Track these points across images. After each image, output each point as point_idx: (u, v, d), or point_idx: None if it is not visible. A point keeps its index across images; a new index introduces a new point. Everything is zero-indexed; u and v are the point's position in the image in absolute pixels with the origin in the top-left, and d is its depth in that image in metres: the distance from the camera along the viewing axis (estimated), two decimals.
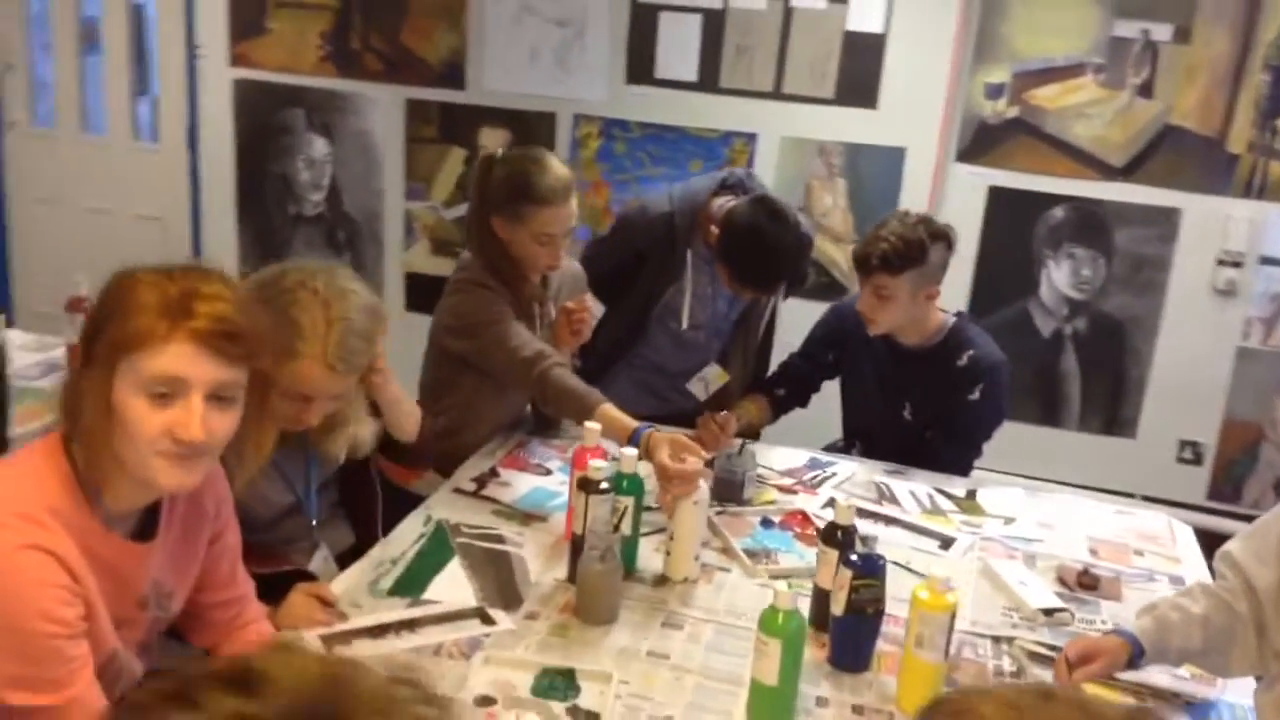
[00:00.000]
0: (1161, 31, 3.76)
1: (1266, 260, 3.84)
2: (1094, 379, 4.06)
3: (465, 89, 4.34)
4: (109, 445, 1.41)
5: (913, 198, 3.97)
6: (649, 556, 2.21)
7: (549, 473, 2.59)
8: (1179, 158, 3.82)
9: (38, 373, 2.87)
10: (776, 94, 4.08)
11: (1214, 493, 4.03)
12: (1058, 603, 2.14)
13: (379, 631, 1.92)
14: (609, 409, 2.35)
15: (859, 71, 3.99)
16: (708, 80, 4.12)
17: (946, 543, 2.39)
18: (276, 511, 2.10)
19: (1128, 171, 3.88)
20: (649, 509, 2.25)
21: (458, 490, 2.48)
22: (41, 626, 1.35)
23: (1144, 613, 1.85)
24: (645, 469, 2.19)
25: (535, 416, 2.87)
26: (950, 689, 1.49)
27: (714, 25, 4.07)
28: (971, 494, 2.66)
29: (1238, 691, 1.90)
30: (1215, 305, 3.90)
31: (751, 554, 2.27)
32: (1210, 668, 1.84)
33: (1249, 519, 2.00)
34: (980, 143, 3.98)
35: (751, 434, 3.02)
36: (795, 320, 3.12)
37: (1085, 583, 2.24)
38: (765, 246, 2.67)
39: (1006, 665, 1.96)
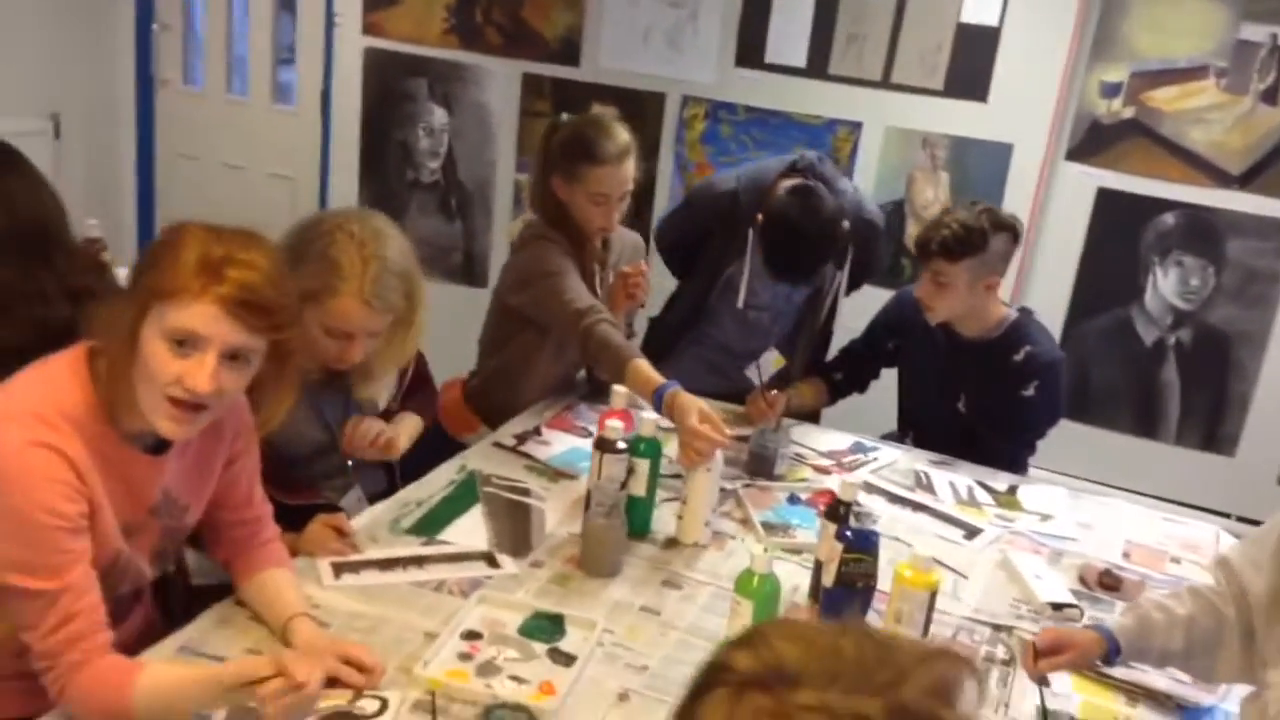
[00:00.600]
0: None
1: None
2: (1195, 392, 3.91)
3: (579, 66, 4.43)
4: (127, 373, 1.53)
5: (1018, 194, 3.90)
6: (666, 519, 2.25)
7: (589, 435, 2.62)
8: None
9: None
10: (885, 83, 4.05)
11: None
12: (1069, 599, 2.11)
13: (388, 565, 2.00)
14: (641, 364, 2.38)
15: (970, 64, 3.93)
16: (816, 66, 4.11)
17: (972, 533, 2.37)
18: (313, 448, 2.22)
19: (1245, 180, 3.73)
20: (675, 476, 2.30)
21: (497, 444, 2.55)
22: (43, 518, 1.47)
23: (1128, 611, 1.82)
24: (666, 437, 2.22)
25: (589, 380, 2.93)
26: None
27: (826, 11, 4.06)
28: (1013, 489, 2.62)
29: (1239, 699, 1.83)
30: None
31: (769, 527, 2.29)
32: (1194, 672, 1.79)
33: None
34: (1092, 142, 3.87)
35: (809, 416, 3.03)
36: (866, 305, 3.09)
37: (1106, 583, 2.19)
38: (790, 236, 2.66)
39: (1000, 653, 1.94)
